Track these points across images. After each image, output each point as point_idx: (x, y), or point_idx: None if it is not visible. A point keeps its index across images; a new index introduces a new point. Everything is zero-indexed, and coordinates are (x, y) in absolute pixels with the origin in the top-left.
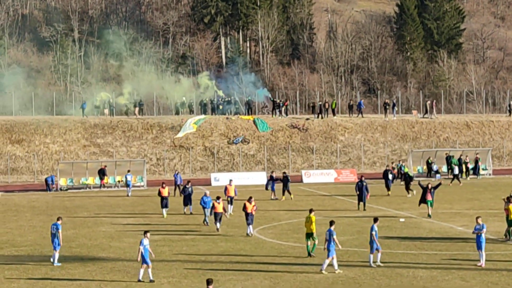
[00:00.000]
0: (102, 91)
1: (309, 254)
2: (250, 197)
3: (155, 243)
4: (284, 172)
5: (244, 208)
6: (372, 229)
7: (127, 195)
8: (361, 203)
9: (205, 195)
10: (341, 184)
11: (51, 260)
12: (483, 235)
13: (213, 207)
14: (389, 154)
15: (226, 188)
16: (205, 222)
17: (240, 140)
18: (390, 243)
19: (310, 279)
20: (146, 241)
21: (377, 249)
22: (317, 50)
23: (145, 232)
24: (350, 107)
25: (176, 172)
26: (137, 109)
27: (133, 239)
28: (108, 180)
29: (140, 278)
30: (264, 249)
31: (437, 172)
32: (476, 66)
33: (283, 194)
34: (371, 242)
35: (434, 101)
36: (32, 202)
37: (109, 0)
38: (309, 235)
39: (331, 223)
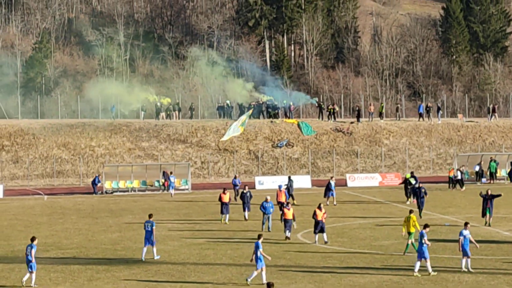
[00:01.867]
0: (147, 94)
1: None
2: (320, 204)
3: (199, 246)
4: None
5: (314, 215)
6: (460, 234)
7: (172, 195)
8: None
9: (266, 200)
10: (386, 188)
11: (142, 255)
12: None
13: (282, 213)
14: (434, 158)
15: (277, 194)
16: (268, 228)
17: (284, 143)
18: (435, 247)
19: (355, 283)
20: (260, 244)
21: (467, 255)
22: (361, 54)
23: (259, 236)
24: (397, 110)
25: (235, 175)
26: (176, 112)
27: (177, 242)
28: (153, 183)
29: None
30: (308, 253)
31: (482, 175)
32: None
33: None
34: (463, 247)
35: (497, 105)
36: (77, 205)
37: (154, 4)
38: (410, 234)
39: (425, 226)
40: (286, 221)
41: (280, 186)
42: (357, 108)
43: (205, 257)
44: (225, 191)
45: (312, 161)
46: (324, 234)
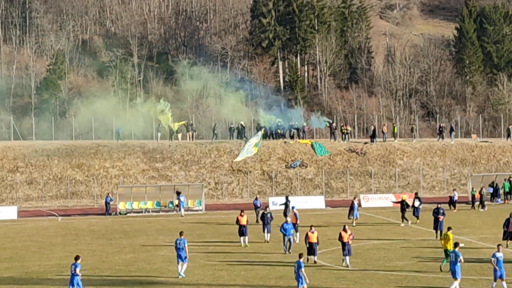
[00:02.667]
0: (160, 115)
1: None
2: (345, 226)
3: (213, 267)
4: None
5: (340, 237)
6: (493, 255)
7: (182, 215)
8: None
9: (286, 222)
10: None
11: (178, 271)
12: None
13: (306, 237)
14: (448, 178)
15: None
16: (287, 250)
17: (298, 164)
18: (445, 267)
19: None
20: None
21: (500, 277)
22: (375, 74)
23: (300, 255)
24: (412, 130)
25: (256, 196)
26: (189, 133)
27: (191, 263)
28: (167, 204)
29: None
30: (323, 273)
31: (497, 195)
32: None
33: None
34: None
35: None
36: (91, 226)
37: (168, 25)
38: (447, 252)
39: (456, 244)
40: (310, 245)
41: (293, 208)
42: (372, 128)
43: (219, 278)
44: (242, 213)
45: (326, 181)
46: (347, 258)
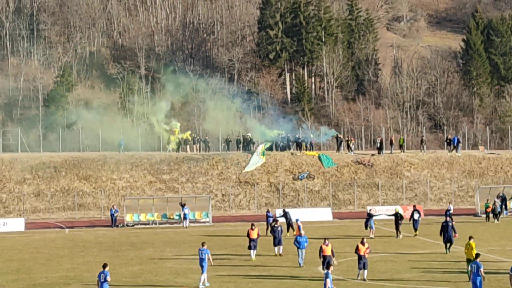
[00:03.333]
0: (166, 127)
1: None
2: (363, 239)
3: (220, 279)
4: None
5: (357, 250)
6: (511, 269)
7: (185, 227)
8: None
9: (300, 235)
10: (407, 221)
11: (200, 283)
12: None
13: (320, 250)
14: (456, 190)
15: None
16: (300, 264)
17: (305, 176)
18: (453, 278)
19: None
20: None
21: None
22: (382, 86)
23: (327, 265)
24: (421, 142)
25: (268, 210)
26: (196, 145)
27: (198, 275)
28: (174, 216)
29: None
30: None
31: (506, 207)
32: None
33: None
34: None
35: None
36: (98, 238)
37: (175, 37)
38: (470, 261)
39: (477, 255)
40: (324, 258)
41: (297, 220)
42: (379, 140)
43: None
44: (253, 227)
45: (333, 193)
46: (365, 271)
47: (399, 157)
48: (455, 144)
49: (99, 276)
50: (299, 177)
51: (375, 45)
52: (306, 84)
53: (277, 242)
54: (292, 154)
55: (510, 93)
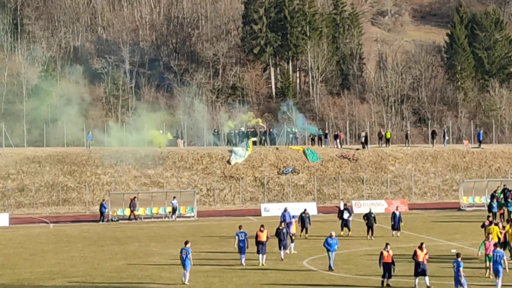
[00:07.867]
0: (152, 122)
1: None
2: (422, 244)
3: (205, 273)
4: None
5: (415, 255)
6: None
7: (174, 219)
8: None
9: (330, 236)
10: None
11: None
12: None
13: (381, 256)
14: (440, 184)
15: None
16: (330, 267)
17: (290, 170)
18: (439, 271)
19: None
20: None
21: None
22: (367, 80)
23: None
24: (406, 137)
25: (285, 208)
26: (181, 141)
27: (183, 270)
28: (159, 210)
29: None
30: (315, 279)
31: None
32: None
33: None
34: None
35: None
36: (83, 232)
37: (159, 32)
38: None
39: (458, 255)
40: (387, 265)
41: (294, 217)
42: (363, 135)
43: (211, 284)
44: (262, 228)
45: (318, 187)
46: (426, 278)
47: (384, 152)
48: (480, 139)
49: (181, 252)
50: (284, 171)
51: (360, 39)
52: (290, 79)
53: (282, 246)
54: (277, 148)
55: (494, 87)
